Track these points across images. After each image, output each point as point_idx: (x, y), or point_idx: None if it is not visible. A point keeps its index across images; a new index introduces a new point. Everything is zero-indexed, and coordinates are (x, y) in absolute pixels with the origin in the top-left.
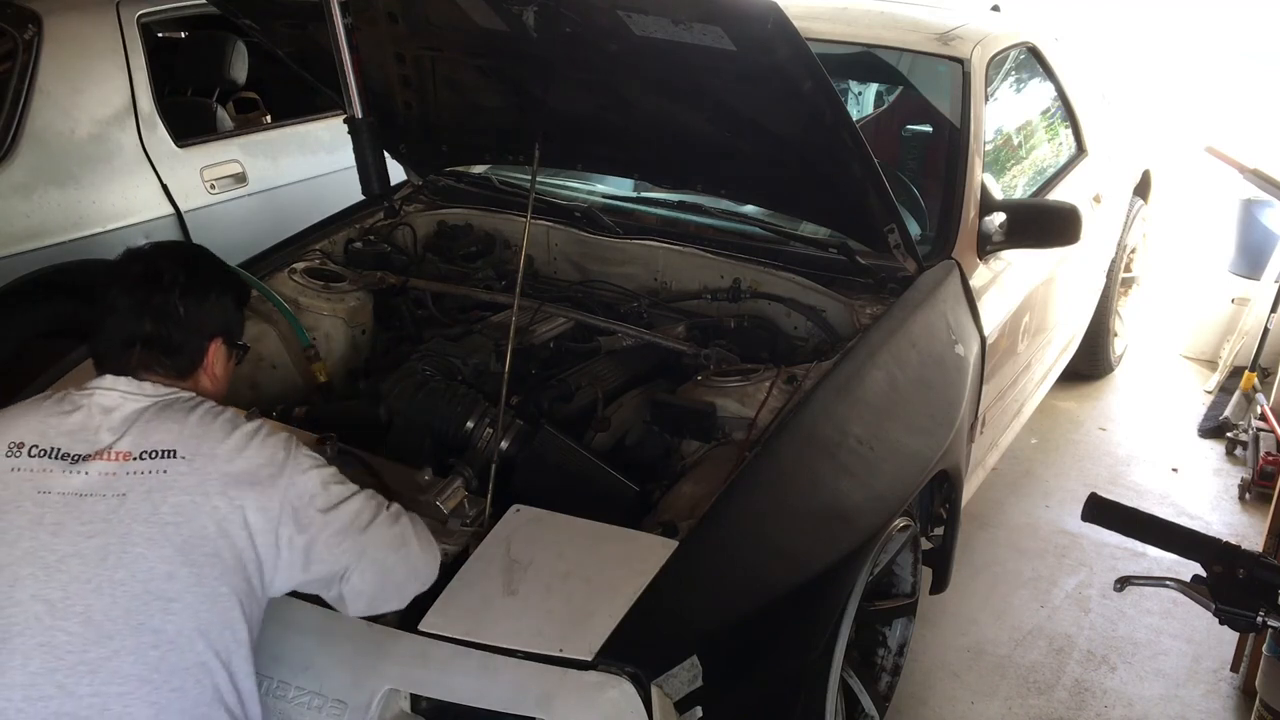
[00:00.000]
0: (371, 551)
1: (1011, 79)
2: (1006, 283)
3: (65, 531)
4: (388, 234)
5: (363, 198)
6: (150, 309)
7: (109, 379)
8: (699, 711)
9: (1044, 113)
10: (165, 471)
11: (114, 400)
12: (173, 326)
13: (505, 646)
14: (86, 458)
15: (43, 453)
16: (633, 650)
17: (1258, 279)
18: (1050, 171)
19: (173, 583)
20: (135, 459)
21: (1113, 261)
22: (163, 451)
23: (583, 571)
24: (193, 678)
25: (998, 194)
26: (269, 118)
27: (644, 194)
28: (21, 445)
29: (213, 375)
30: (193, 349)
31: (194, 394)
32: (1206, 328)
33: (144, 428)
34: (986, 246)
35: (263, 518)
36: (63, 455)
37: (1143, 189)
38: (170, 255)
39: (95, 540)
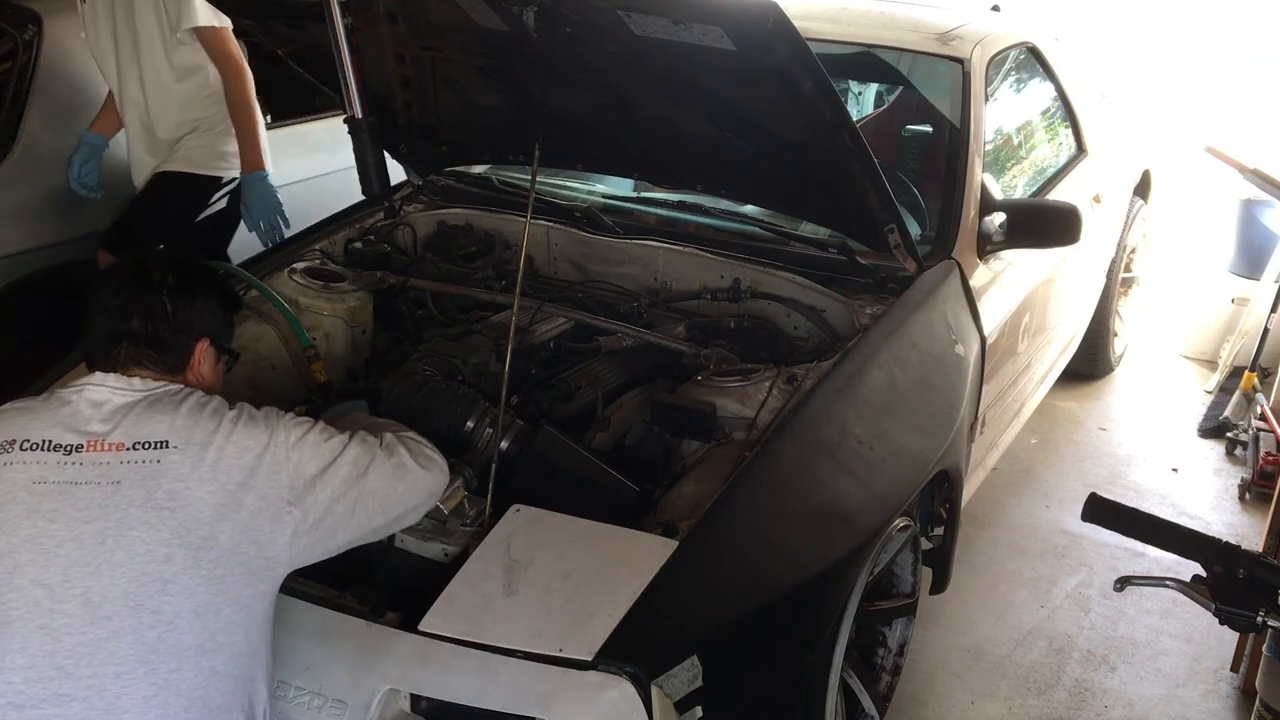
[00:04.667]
0: (378, 491)
1: (1011, 79)
2: (1006, 283)
3: (62, 518)
4: (388, 234)
5: (363, 198)
6: (138, 306)
7: (98, 376)
8: (699, 711)
9: (1044, 113)
10: (159, 461)
11: (103, 395)
12: (159, 324)
13: (505, 646)
14: (79, 448)
15: (34, 446)
16: (633, 650)
17: (1258, 279)
18: (1050, 171)
19: (170, 564)
20: (129, 449)
21: (1113, 261)
22: (156, 443)
23: (583, 571)
24: (190, 659)
25: (998, 194)
26: (269, 118)
27: (644, 194)
28: (12, 442)
29: (199, 375)
30: (180, 347)
31: (182, 386)
32: (1206, 328)
33: (135, 420)
34: (986, 246)
35: (255, 498)
36: (55, 447)
37: (1143, 189)
38: (161, 258)
39: (93, 525)
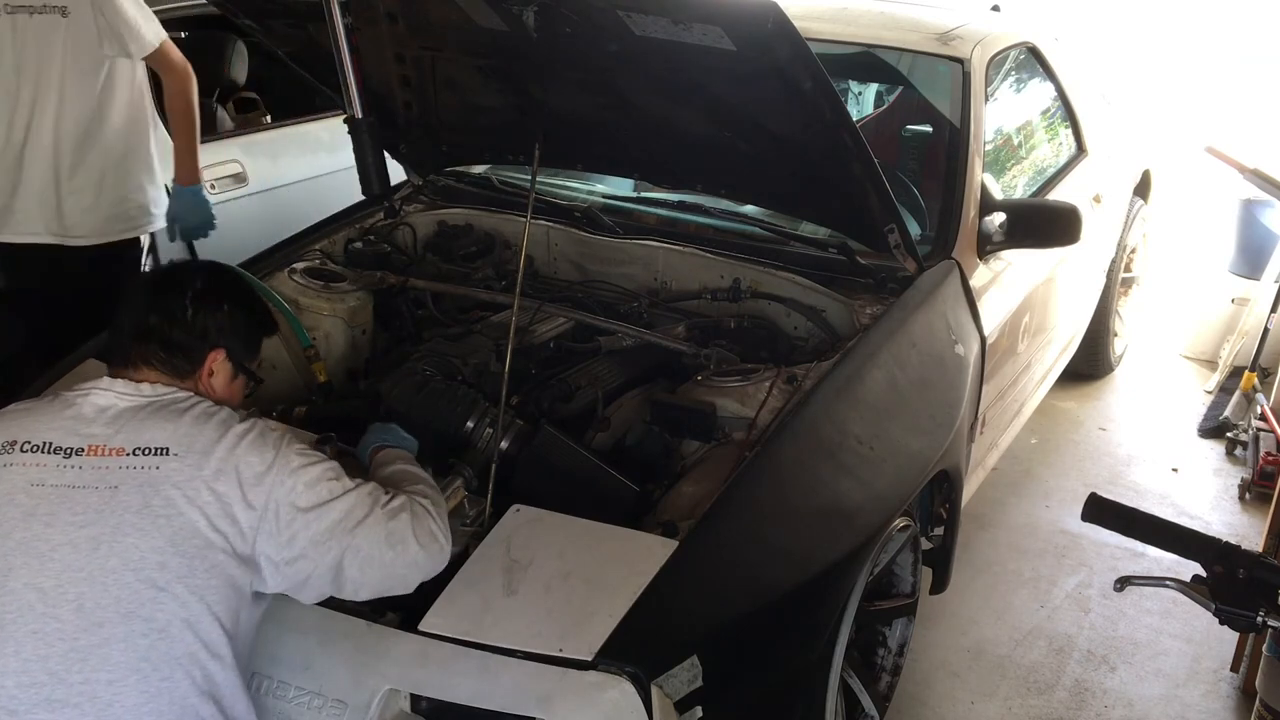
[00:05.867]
0: (364, 549)
1: (1011, 79)
2: (1006, 283)
3: (58, 522)
4: (388, 234)
5: (363, 198)
6: (158, 305)
7: (105, 380)
8: (699, 711)
9: (1044, 113)
10: (158, 468)
11: (108, 399)
12: (175, 326)
13: (505, 646)
14: (80, 451)
15: (35, 448)
16: (633, 650)
17: (1258, 279)
18: (1050, 171)
19: (164, 572)
20: (129, 454)
21: (1113, 261)
22: (156, 449)
23: (583, 571)
24: (181, 668)
25: (998, 194)
26: (269, 118)
27: (644, 194)
28: (14, 443)
29: (209, 386)
30: (190, 351)
31: (191, 394)
32: (1206, 328)
33: (138, 426)
34: (986, 246)
35: (249, 516)
36: (55, 449)
37: (1143, 189)
38: (197, 265)
39: (88, 530)
